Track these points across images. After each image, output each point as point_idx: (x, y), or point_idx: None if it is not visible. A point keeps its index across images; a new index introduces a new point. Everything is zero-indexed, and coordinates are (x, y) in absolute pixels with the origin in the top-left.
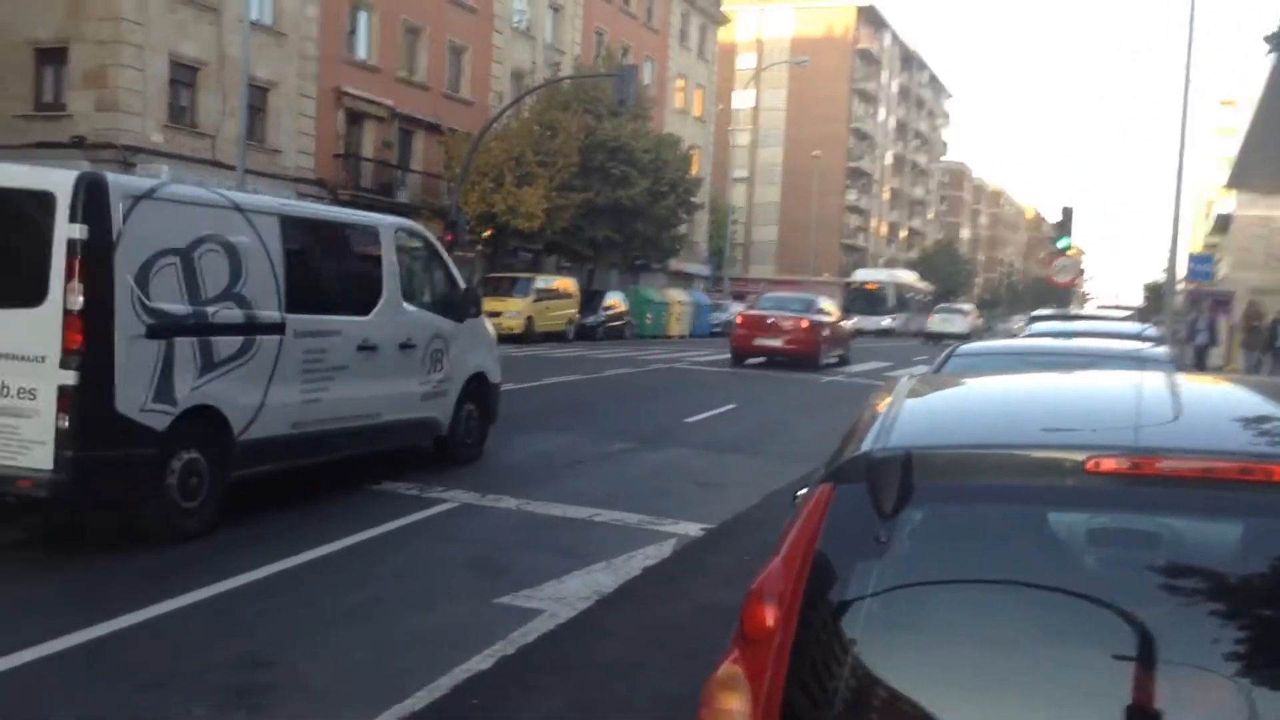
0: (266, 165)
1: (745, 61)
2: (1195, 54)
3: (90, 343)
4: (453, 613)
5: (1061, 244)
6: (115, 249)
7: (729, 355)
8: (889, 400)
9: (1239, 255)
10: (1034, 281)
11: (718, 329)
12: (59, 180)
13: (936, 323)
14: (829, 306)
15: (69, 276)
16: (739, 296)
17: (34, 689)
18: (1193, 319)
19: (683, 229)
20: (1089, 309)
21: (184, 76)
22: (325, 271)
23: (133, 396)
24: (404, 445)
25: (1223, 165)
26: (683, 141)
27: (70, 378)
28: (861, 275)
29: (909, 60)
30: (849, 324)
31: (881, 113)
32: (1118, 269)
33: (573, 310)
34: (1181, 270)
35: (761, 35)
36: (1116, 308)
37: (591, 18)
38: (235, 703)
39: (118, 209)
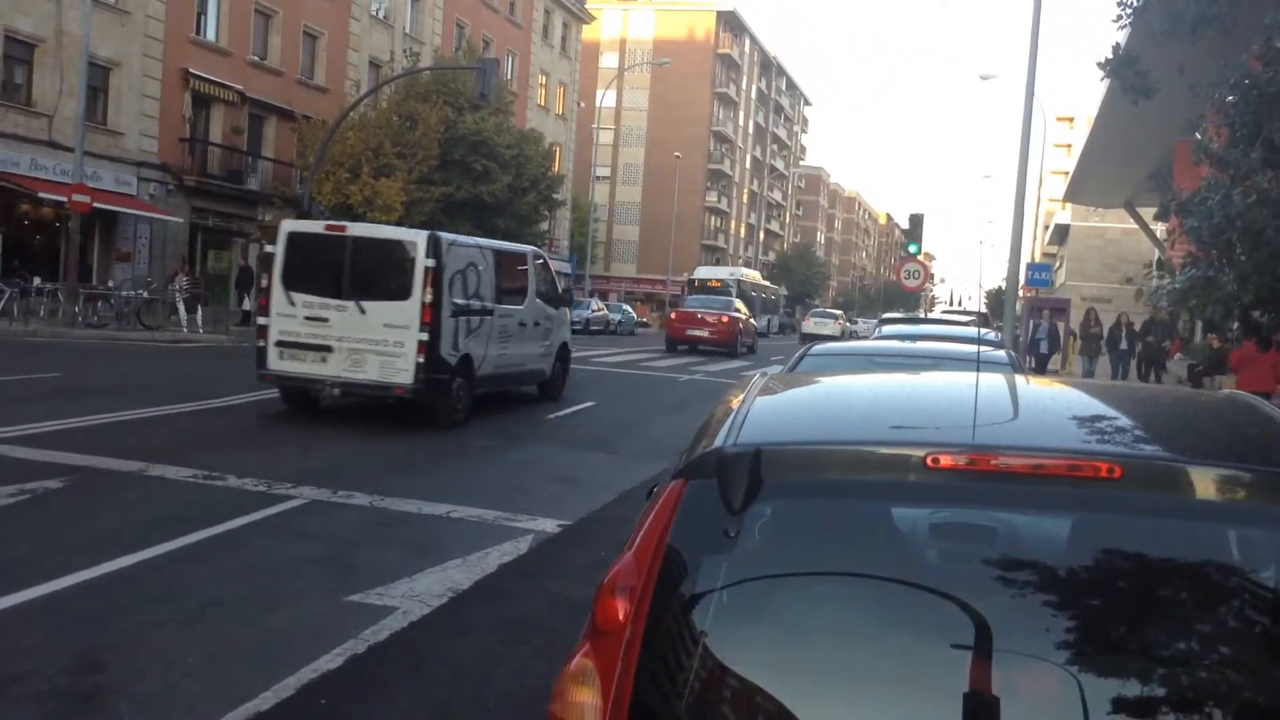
0: (107, 148)
1: (608, 61)
2: (1037, 73)
3: (432, 319)
4: (301, 612)
5: (912, 250)
6: (443, 270)
7: (591, 352)
8: (741, 398)
9: (1075, 264)
10: (885, 285)
11: (578, 326)
12: (418, 235)
13: (811, 325)
14: (741, 307)
15: (424, 285)
16: (601, 294)
17: None
18: (1034, 325)
19: (544, 226)
20: (936, 313)
21: (19, 53)
22: (505, 279)
23: (445, 347)
24: (530, 385)
25: (1059, 179)
26: (545, 138)
27: (424, 336)
28: (703, 273)
29: (768, 66)
30: (755, 322)
31: (741, 116)
32: (963, 275)
33: None
34: (1021, 278)
35: (625, 35)
36: (961, 312)
37: (453, 9)
38: (66, 710)
39: (444, 249)
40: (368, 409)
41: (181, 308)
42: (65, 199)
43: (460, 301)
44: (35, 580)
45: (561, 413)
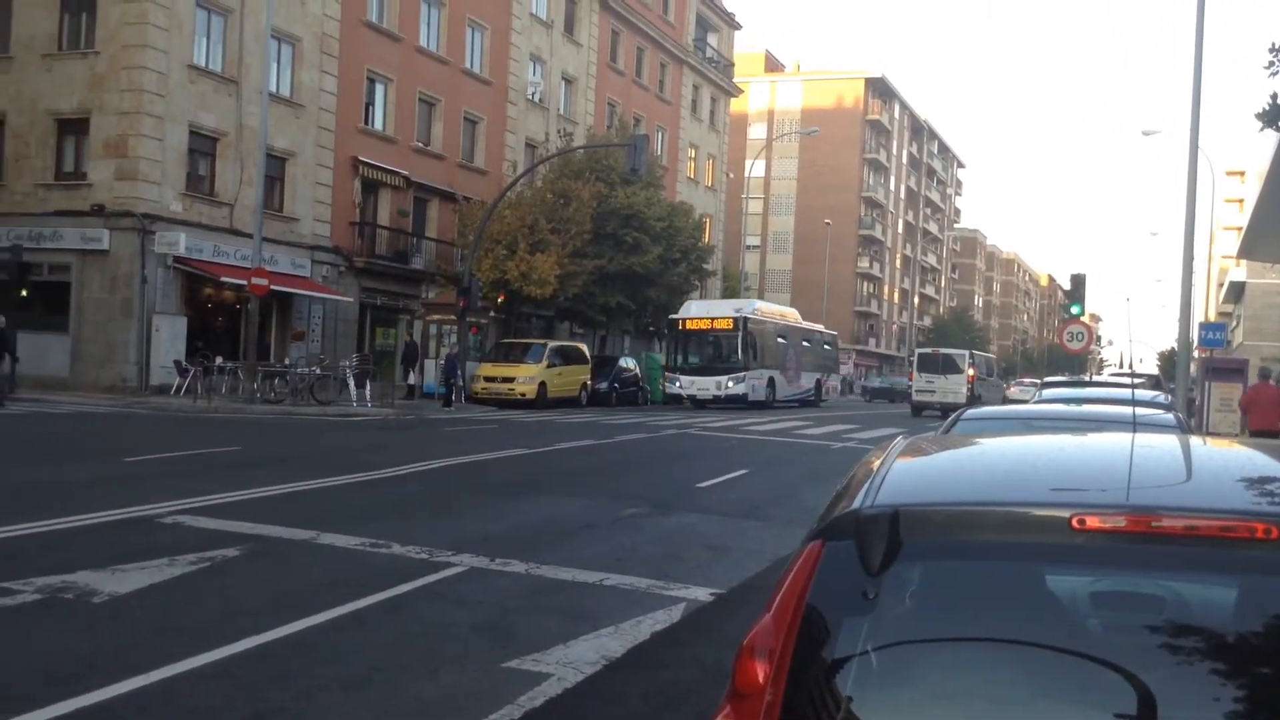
0: (283, 233)
1: (757, 131)
2: (1203, 126)
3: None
4: (461, 676)
5: (1074, 311)
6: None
7: (744, 420)
8: (881, 459)
9: (1252, 323)
10: (1049, 348)
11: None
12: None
13: (1015, 393)
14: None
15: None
16: None
17: None
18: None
19: (695, 295)
20: (1104, 376)
21: (203, 146)
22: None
23: None
24: None
25: (1232, 235)
26: (695, 210)
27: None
28: (697, 310)
29: (919, 130)
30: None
31: (892, 181)
32: (1133, 336)
33: (585, 376)
34: (1194, 338)
35: (773, 105)
36: (1131, 374)
37: (604, 89)
38: None
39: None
40: (529, 483)
41: (351, 383)
42: (245, 282)
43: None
44: (214, 643)
45: (712, 481)
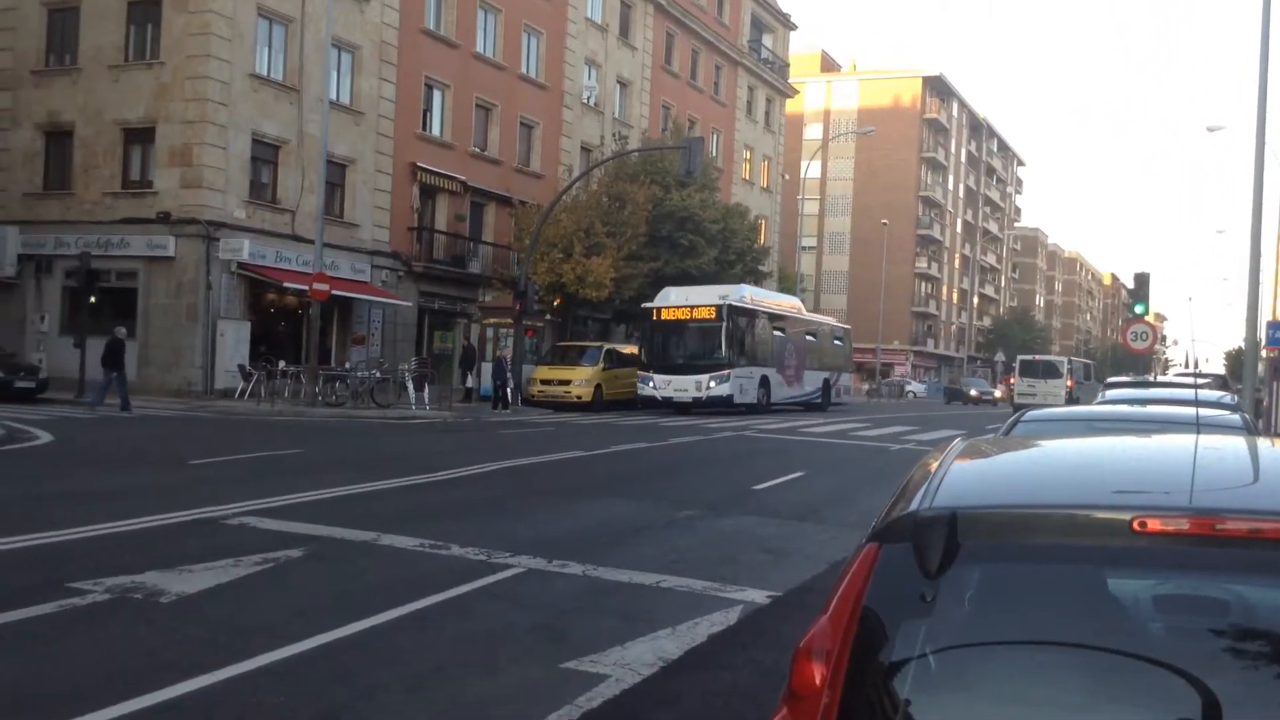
0: (344, 239)
1: (813, 132)
2: (1270, 120)
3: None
4: (519, 677)
5: (1138, 310)
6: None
7: (801, 423)
8: (939, 461)
9: None
10: (1113, 349)
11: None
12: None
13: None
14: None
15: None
16: None
17: None
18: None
19: None
20: (1169, 376)
21: (265, 154)
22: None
23: None
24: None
25: None
26: (750, 211)
27: None
28: (676, 297)
29: (978, 128)
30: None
31: (950, 180)
32: (1199, 336)
33: None
34: (1262, 337)
35: (829, 106)
36: (1197, 374)
37: (659, 92)
38: None
39: None
40: (585, 485)
41: (410, 386)
42: (307, 288)
43: None
44: (279, 643)
45: (769, 483)
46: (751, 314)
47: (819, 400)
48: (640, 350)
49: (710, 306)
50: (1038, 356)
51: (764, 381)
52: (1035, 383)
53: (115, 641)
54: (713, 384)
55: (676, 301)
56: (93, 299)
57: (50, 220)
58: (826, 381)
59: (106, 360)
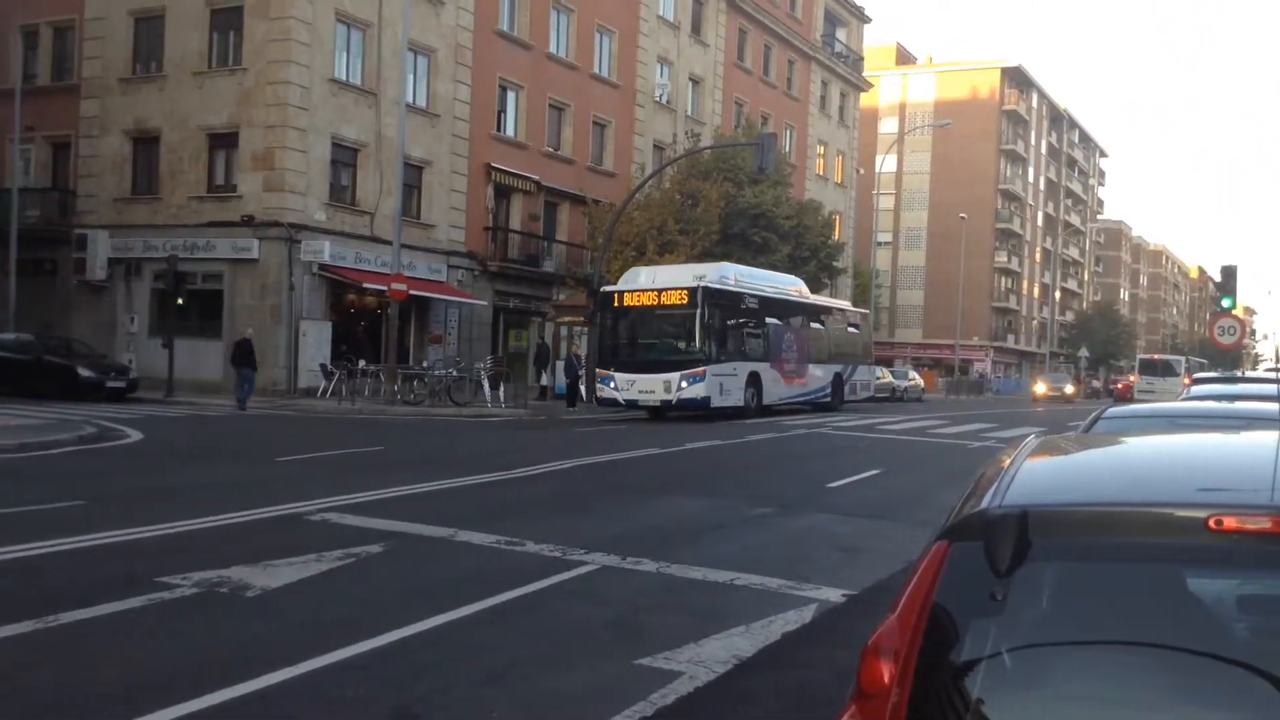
0: (421, 240)
1: (888, 125)
2: None
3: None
4: (594, 673)
5: (1225, 304)
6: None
7: (876, 420)
8: (1011, 459)
9: None
10: (1200, 343)
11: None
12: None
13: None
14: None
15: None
16: (885, 361)
17: None
18: None
19: (825, 294)
20: (1259, 372)
21: (344, 157)
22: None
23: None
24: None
25: None
26: (824, 207)
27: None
28: (645, 278)
29: (1058, 120)
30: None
31: (1030, 173)
32: None
33: None
34: None
35: (905, 99)
36: None
37: (731, 89)
38: None
39: None
40: (658, 483)
41: (486, 385)
42: (385, 288)
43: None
44: (359, 637)
45: (843, 481)
46: (735, 297)
47: (827, 399)
48: (599, 344)
49: (681, 289)
50: (1156, 356)
51: (753, 379)
52: (1154, 380)
53: (202, 634)
54: (684, 384)
55: (644, 284)
56: (180, 301)
57: (139, 224)
58: (838, 376)
59: (236, 359)
